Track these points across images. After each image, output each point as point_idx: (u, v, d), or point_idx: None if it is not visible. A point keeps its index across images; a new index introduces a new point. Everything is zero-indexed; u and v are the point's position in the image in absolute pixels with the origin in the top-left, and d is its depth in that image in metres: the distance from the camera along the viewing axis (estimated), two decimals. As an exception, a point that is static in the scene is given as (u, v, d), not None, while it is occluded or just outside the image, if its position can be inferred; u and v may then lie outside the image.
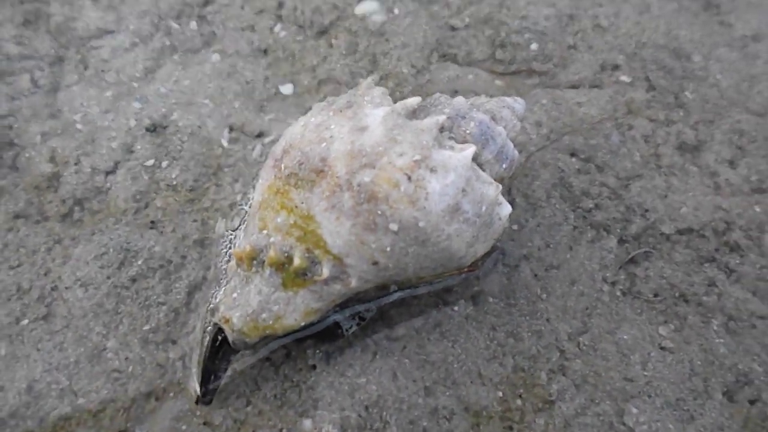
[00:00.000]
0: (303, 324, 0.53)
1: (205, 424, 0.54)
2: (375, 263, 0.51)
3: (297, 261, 0.51)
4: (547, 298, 0.61)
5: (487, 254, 0.59)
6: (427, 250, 0.50)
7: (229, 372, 0.56)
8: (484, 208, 0.50)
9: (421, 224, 0.48)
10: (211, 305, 0.59)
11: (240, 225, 0.64)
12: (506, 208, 0.53)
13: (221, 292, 0.58)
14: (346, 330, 0.59)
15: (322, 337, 0.58)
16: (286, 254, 0.52)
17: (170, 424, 0.54)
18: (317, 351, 0.57)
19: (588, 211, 0.65)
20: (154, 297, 0.59)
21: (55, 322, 0.58)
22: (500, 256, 0.63)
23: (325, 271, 0.51)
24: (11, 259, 0.60)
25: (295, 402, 0.56)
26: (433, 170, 0.48)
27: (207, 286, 0.60)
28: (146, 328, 0.58)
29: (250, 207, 0.64)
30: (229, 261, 0.61)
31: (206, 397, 0.55)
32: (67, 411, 0.55)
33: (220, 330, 0.54)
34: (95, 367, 0.56)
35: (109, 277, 0.60)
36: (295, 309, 0.53)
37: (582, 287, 0.62)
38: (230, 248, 0.62)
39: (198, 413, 0.55)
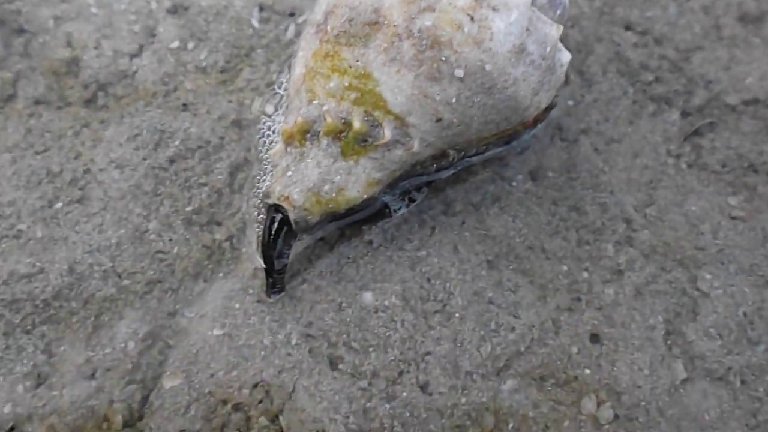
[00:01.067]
0: (365, 197, 0.60)
1: (258, 302, 0.63)
2: (439, 120, 0.58)
3: (356, 125, 0.58)
4: (609, 171, 0.71)
5: (548, 109, 0.67)
6: (493, 99, 0.58)
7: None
8: (548, 50, 0.58)
9: (487, 67, 0.56)
10: (260, 192, 0.66)
11: (276, 110, 0.72)
12: (566, 55, 0.61)
13: (269, 178, 0.65)
14: (395, 210, 0.67)
15: (373, 220, 0.66)
16: (343, 120, 0.59)
17: (222, 304, 0.63)
18: (373, 227, 0.66)
19: (648, 85, 0.75)
20: (195, 178, 0.68)
21: (92, 205, 0.66)
22: (556, 131, 0.73)
23: (387, 134, 0.58)
24: (36, 144, 0.68)
25: (354, 277, 0.64)
26: (495, 9, 0.56)
27: (248, 167, 0.69)
28: (189, 209, 0.66)
29: (286, 89, 0.71)
30: (268, 149, 0.68)
31: (276, 286, 0.62)
32: (112, 292, 0.63)
33: (277, 215, 0.60)
34: (138, 249, 0.64)
35: (145, 159, 0.68)
36: (357, 179, 0.60)
37: (645, 160, 0.72)
38: (268, 135, 0.70)
39: (251, 291, 0.63)
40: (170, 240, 0.65)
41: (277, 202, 0.59)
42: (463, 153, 0.65)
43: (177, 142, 0.68)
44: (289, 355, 0.61)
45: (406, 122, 0.58)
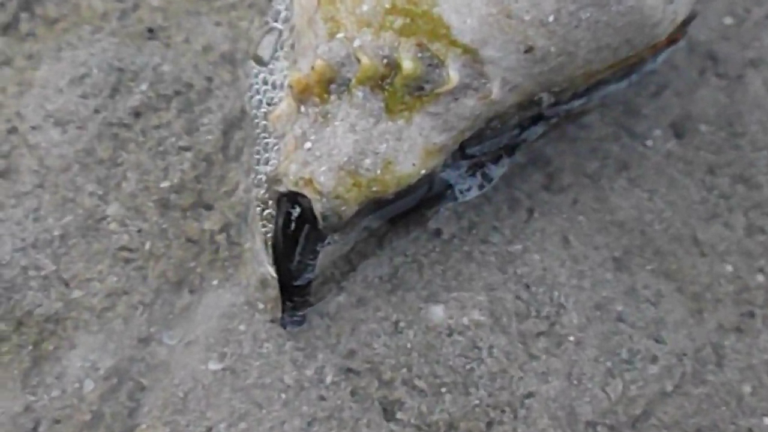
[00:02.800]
0: (423, 172, 0.59)
1: (273, 321, 0.62)
2: (529, 50, 0.57)
3: (407, 66, 0.57)
4: (792, 123, 0.71)
5: (685, 23, 0.65)
6: (608, 14, 0.56)
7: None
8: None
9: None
10: (263, 177, 0.66)
11: (274, 53, 0.70)
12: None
13: (273, 155, 0.65)
14: (461, 192, 0.66)
15: (431, 205, 0.65)
16: (386, 60, 0.58)
17: (219, 325, 0.62)
18: (440, 211, 0.65)
19: None
20: (173, 139, 0.66)
21: (22, 180, 0.65)
22: (708, 63, 0.71)
23: (453, 75, 0.57)
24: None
25: (415, 284, 0.63)
26: None
27: (249, 123, 0.68)
28: (165, 185, 0.65)
29: (288, 21, 0.70)
30: (267, 113, 0.67)
31: (297, 312, 0.61)
32: (58, 309, 0.61)
33: (294, 209, 0.59)
34: (92, 245, 0.63)
35: (97, 111, 0.66)
36: (412, 146, 0.59)
37: None
38: (264, 92, 0.69)
39: (260, 306, 0.62)
40: (138, 231, 0.64)
41: (293, 190, 0.59)
42: (565, 97, 0.64)
43: (144, 87, 0.67)
44: (323, 399, 0.60)
45: (479, 57, 0.57)
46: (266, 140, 0.66)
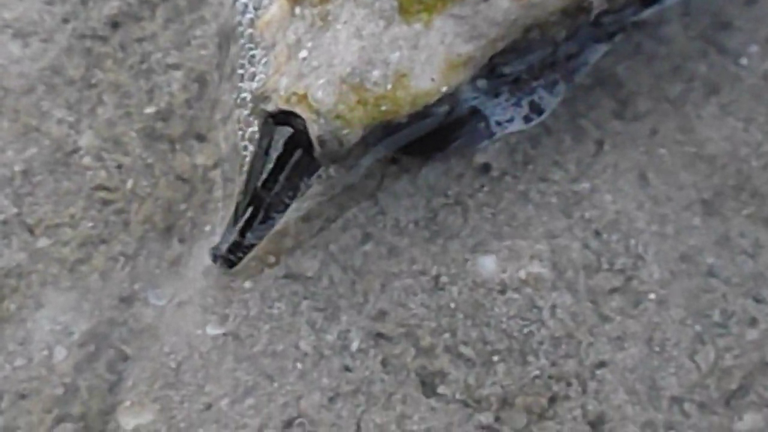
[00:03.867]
0: (444, 90, 0.60)
1: (286, 277, 0.63)
2: None
3: None
4: None
5: None
6: None
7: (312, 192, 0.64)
8: None
9: None
10: (247, 96, 0.67)
11: None
12: None
13: (260, 69, 0.65)
14: (498, 124, 0.67)
15: (459, 139, 0.66)
16: None
17: (218, 281, 0.63)
18: (485, 141, 0.66)
19: None
20: (158, 55, 0.68)
21: (-26, 104, 0.68)
22: None
23: None
24: None
25: (459, 229, 0.64)
26: None
27: (247, 35, 0.68)
28: (149, 111, 0.67)
29: None
30: (254, 20, 0.68)
31: (236, 251, 0.62)
32: (21, 260, 0.63)
33: (283, 130, 0.61)
34: (62, 183, 0.65)
35: (66, 20, 0.68)
36: (430, 56, 0.60)
37: None
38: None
39: (270, 259, 0.63)
40: (118, 167, 0.66)
41: (284, 108, 0.60)
42: (620, 2, 0.65)
43: None
44: (347, 369, 0.61)
45: None
46: (252, 52, 0.67)
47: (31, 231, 0.63)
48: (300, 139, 0.60)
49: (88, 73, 0.66)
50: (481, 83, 0.64)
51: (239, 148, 0.66)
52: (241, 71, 0.67)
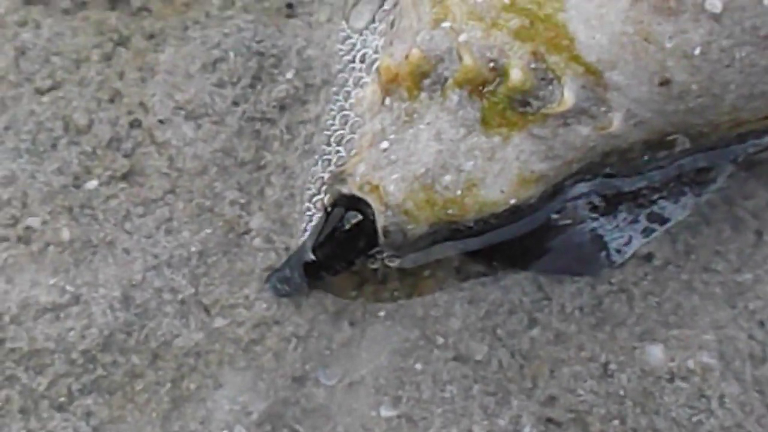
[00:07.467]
0: (512, 202, 0.60)
1: (455, 359, 0.63)
2: (664, 82, 0.57)
3: (515, 75, 0.58)
4: None
5: None
6: None
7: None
8: None
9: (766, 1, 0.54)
10: (327, 173, 0.67)
11: (373, 23, 0.71)
12: None
13: (345, 148, 0.66)
14: (617, 251, 0.66)
15: (570, 264, 0.66)
16: (492, 63, 0.59)
17: (390, 362, 0.63)
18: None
19: None
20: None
21: (150, 184, 0.67)
22: None
23: (569, 96, 0.58)
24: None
25: (625, 317, 0.65)
26: None
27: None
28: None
29: None
30: (352, 95, 0.69)
31: (295, 278, 0.63)
32: (199, 339, 0.63)
33: (351, 215, 0.61)
34: (236, 264, 0.65)
35: (237, 103, 0.68)
36: (504, 170, 0.60)
37: None
38: (354, 69, 0.70)
39: (439, 341, 0.64)
40: (286, 249, 0.66)
41: (357, 194, 0.61)
42: (707, 142, 0.64)
43: (289, 75, 0.69)
44: None
45: (603, 80, 0.58)
46: (339, 128, 0.68)
47: (207, 311, 0.64)
48: (366, 225, 0.61)
49: (257, 155, 0.67)
50: (598, 200, 0.65)
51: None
52: (327, 133, 0.68)
